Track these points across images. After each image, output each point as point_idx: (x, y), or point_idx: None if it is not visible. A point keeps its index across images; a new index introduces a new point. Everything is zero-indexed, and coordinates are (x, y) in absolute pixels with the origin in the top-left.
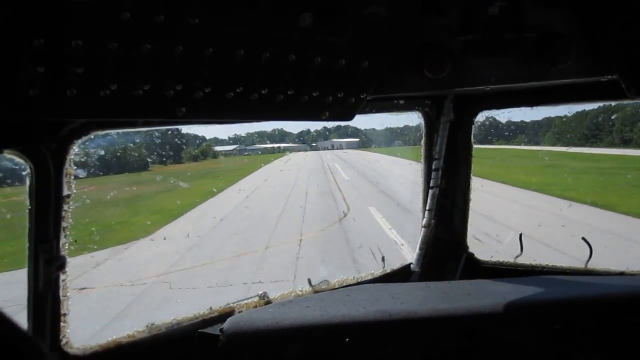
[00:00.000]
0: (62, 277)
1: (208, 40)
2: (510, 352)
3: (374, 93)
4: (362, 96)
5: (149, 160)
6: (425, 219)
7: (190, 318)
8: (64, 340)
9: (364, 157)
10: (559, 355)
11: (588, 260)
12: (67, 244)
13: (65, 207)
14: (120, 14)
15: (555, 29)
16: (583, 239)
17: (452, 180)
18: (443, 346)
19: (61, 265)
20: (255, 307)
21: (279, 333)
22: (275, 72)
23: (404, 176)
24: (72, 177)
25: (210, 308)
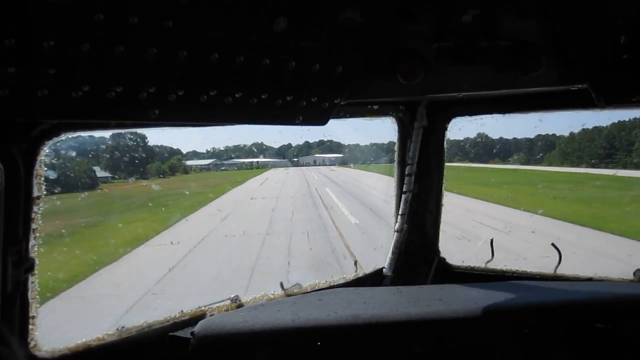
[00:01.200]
0: (31, 279)
1: (182, 43)
2: (481, 357)
3: (348, 98)
4: (336, 101)
5: (106, 175)
6: (397, 224)
7: (161, 321)
8: (32, 343)
9: (358, 178)
10: (529, 358)
11: (557, 266)
12: (36, 246)
13: (35, 208)
14: (93, 15)
15: (527, 37)
16: (553, 245)
17: (425, 185)
18: (414, 350)
19: (30, 267)
20: (227, 310)
21: (250, 336)
22: (249, 75)
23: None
24: (42, 179)
25: (182, 311)
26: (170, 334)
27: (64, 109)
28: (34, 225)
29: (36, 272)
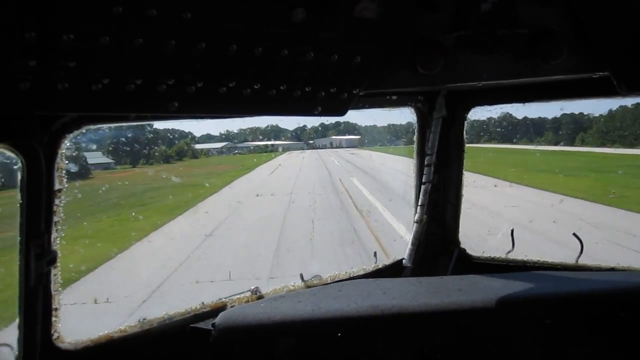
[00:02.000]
0: (53, 271)
1: (200, 35)
2: (501, 348)
3: (367, 88)
4: (354, 91)
5: (108, 161)
6: (417, 215)
7: (182, 313)
8: (55, 335)
9: (388, 164)
10: (550, 350)
11: (579, 256)
12: (58, 239)
13: (56, 201)
14: (112, 8)
15: (547, 25)
16: (574, 234)
17: (444, 175)
18: (434, 341)
19: (52, 259)
20: (248, 302)
21: (270, 328)
22: (268, 67)
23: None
24: (64, 171)
25: (203, 303)
26: (192, 325)
27: (84, 102)
28: (55, 218)
29: (59, 264)
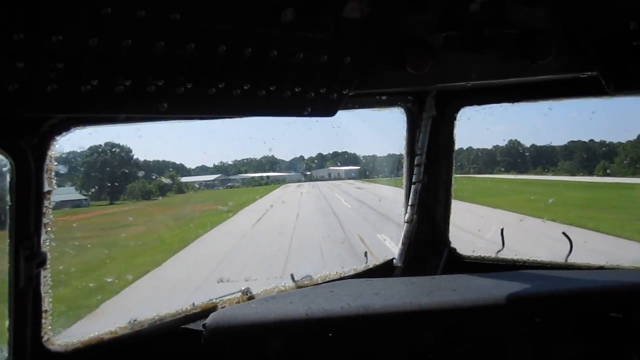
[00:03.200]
0: (43, 273)
1: (189, 36)
2: (492, 347)
3: (357, 89)
4: (344, 92)
5: (79, 197)
6: (407, 214)
7: (172, 314)
8: (45, 337)
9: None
10: (539, 349)
11: (568, 255)
12: (47, 240)
13: (46, 203)
14: (101, 9)
15: (535, 25)
16: (563, 233)
17: (434, 175)
18: (425, 341)
19: (42, 261)
20: (238, 302)
21: (261, 328)
22: (257, 67)
23: None
24: (53, 173)
25: (193, 304)
26: (182, 326)
27: (73, 104)
28: (45, 220)
29: (48, 266)
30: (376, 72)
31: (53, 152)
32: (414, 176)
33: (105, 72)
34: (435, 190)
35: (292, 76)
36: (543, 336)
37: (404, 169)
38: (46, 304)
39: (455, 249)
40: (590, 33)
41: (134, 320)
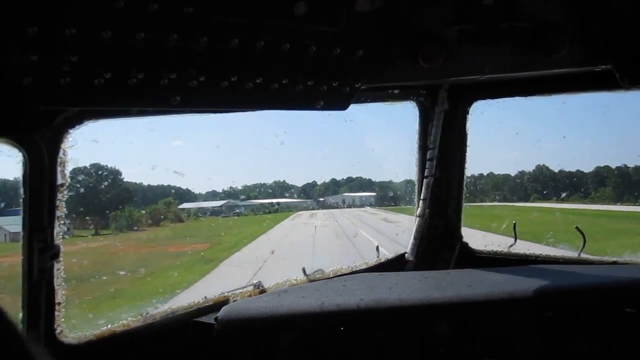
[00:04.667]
0: (56, 266)
1: (202, 29)
2: (503, 341)
3: (369, 82)
4: (357, 85)
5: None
6: (419, 209)
7: (185, 307)
8: (58, 330)
9: None
10: (551, 343)
11: (581, 250)
12: (61, 233)
13: (59, 196)
14: (114, 3)
15: (549, 18)
16: (577, 228)
17: (447, 169)
18: (437, 335)
19: (55, 254)
20: (250, 296)
21: (273, 321)
22: (270, 60)
23: None
24: (66, 166)
25: (205, 297)
26: (194, 319)
27: (86, 97)
28: (58, 213)
29: (61, 259)
30: (389, 65)
31: (67, 145)
32: (426, 170)
33: (119, 66)
34: (448, 184)
35: (304, 69)
36: (555, 331)
37: (416, 163)
38: (59, 296)
39: (467, 244)
40: (605, 26)
41: (146, 314)
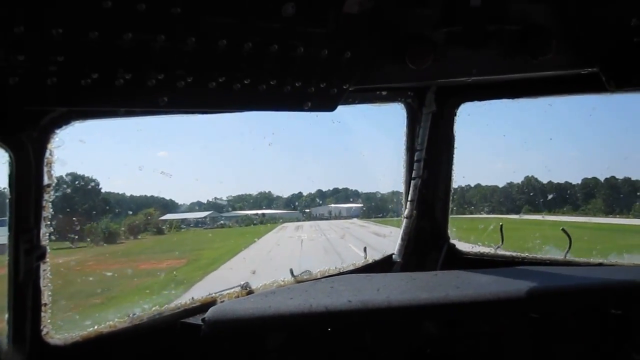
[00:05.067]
0: (42, 267)
1: (190, 30)
2: (490, 342)
3: (357, 84)
4: (344, 87)
5: None
6: (407, 210)
7: (172, 308)
8: (44, 330)
9: None
10: (538, 345)
11: (567, 251)
12: (47, 234)
13: (45, 196)
14: (101, 2)
15: (536, 21)
16: (563, 229)
17: (434, 171)
18: (424, 336)
19: (42, 255)
20: (238, 297)
21: (261, 322)
22: (258, 61)
23: None
24: (53, 167)
25: (192, 298)
26: (182, 320)
27: (73, 97)
28: (44, 214)
29: (47, 259)
30: (377, 67)
31: (53, 146)
32: (413, 172)
33: (106, 66)
34: (435, 186)
35: (292, 71)
36: (542, 332)
37: (404, 164)
38: (45, 297)
39: (454, 245)
40: (591, 30)
41: (133, 314)
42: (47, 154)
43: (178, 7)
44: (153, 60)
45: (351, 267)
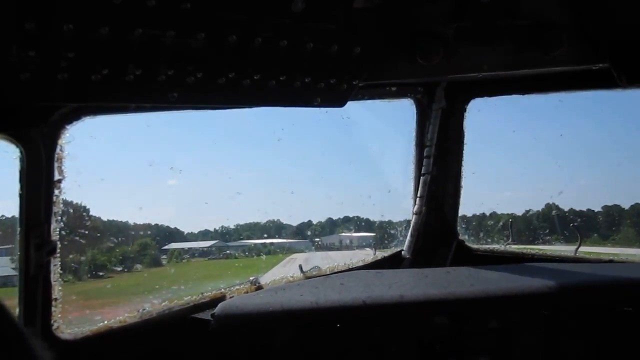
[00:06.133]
0: (53, 262)
1: (200, 25)
2: (499, 338)
3: (367, 79)
4: (354, 82)
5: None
6: (416, 206)
7: (181, 303)
8: (55, 325)
9: None
10: (548, 342)
11: (577, 248)
12: (57, 229)
13: (56, 192)
14: None
15: (547, 16)
16: (573, 225)
17: (444, 167)
18: (433, 332)
19: (52, 250)
20: (247, 292)
21: (270, 318)
22: (267, 57)
23: None
24: (63, 162)
25: (202, 294)
26: (191, 315)
27: (83, 92)
28: (55, 209)
29: (58, 254)
30: (386, 63)
31: (64, 141)
32: (423, 168)
33: (116, 61)
34: (445, 182)
35: (302, 66)
36: (552, 329)
37: (413, 161)
38: (56, 292)
39: (463, 241)
40: (603, 25)
41: (143, 310)
42: (58, 149)
43: (188, 2)
44: (163, 56)
45: (360, 264)
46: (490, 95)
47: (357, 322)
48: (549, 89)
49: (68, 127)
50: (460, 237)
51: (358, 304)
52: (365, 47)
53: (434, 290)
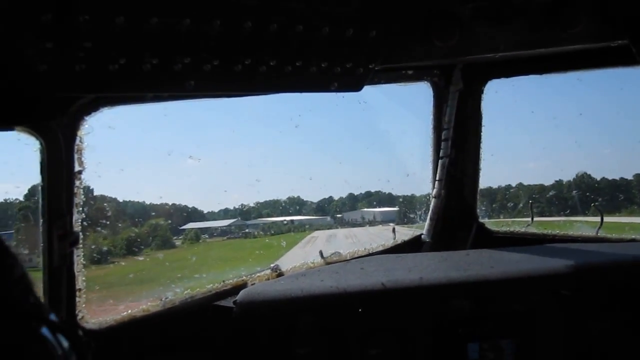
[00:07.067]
0: (76, 252)
1: (215, 12)
2: (521, 320)
3: (383, 63)
4: (370, 66)
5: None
6: (435, 190)
7: (204, 291)
8: (79, 315)
9: None
10: (571, 322)
11: (599, 228)
12: (79, 220)
13: (77, 183)
14: None
15: None
16: (594, 205)
17: (462, 149)
18: (454, 315)
19: (75, 240)
20: (268, 279)
21: (292, 304)
22: (283, 43)
23: None
24: (83, 153)
25: (224, 281)
26: (213, 303)
27: (101, 83)
28: (76, 200)
29: (81, 245)
30: (402, 45)
31: (83, 132)
32: (441, 151)
33: (133, 51)
34: (463, 164)
35: (318, 51)
36: (574, 310)
37: (431, 144)
38: (80, 282)
39: (483, 224)
40: (620, 0)
41: (166, 298)
42: (77, 141)
43: None
44: (179, 44)
45: (380, 248)
46: (507, 76)
47: (378, 306)
48: (567, 67)
49: (87, 118)
50: (484, 209)
51: (378, 288)
52: (381, 30)
53: (454, 272)
